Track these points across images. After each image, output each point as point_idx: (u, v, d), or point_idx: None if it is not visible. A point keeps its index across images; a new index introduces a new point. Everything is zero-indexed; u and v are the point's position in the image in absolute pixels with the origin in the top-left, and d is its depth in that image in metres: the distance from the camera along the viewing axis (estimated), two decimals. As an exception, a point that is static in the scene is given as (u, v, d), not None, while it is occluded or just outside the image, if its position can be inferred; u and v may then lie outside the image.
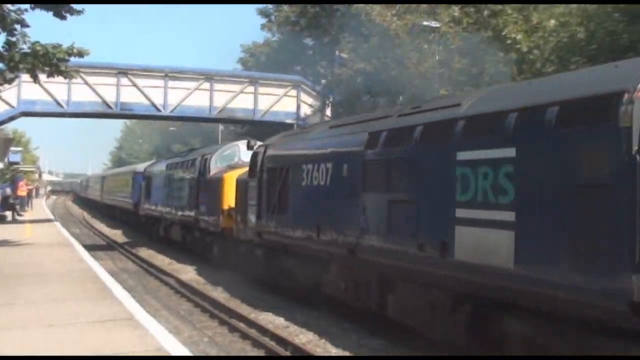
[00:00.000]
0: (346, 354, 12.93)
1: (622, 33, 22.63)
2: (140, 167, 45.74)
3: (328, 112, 38.68)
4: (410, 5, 33.33)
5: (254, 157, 19.63)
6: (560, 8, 26.19)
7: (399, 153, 11.87)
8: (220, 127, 61.56)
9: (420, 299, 11.63)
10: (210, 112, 37.37)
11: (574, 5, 25.25)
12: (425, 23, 30.66)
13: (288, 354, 13.17)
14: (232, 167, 24.39)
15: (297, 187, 16.07)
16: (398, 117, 12.64)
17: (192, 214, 27.10)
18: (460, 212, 10.03)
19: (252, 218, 19.05)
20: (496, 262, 9.26)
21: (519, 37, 26.54)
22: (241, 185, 20.76)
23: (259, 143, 22.66)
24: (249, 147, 23.35)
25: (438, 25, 30.46)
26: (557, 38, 25.92)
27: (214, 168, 25.65)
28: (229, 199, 22.49)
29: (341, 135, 14.64)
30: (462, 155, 10.10)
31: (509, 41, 26.92)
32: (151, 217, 37.39)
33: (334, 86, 38.37)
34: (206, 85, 37.00)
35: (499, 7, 29.31)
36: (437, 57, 30.57)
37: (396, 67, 32.67)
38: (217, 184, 24.16)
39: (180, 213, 29.61)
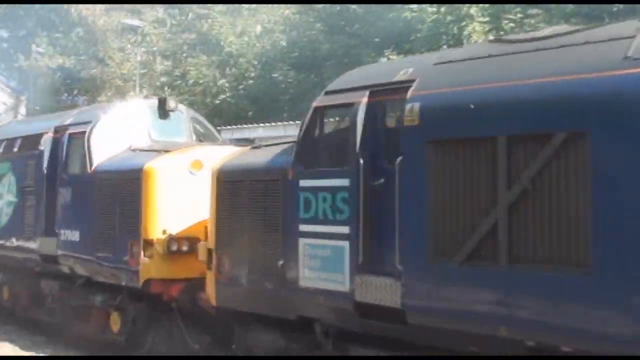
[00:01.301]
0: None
1: (323, 43, 23.17)
2: None
3: (22, 110, 36.66)
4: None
5: (355, 117, 7.81)
6: (264, 15, 26.55)
7: None
8: None
9: None
10: None
11: (278, 13, 25.70)
12: (128, 21, 29.95)
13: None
14: (155, 151, 11.97)
15: None
16: None
17: (35, 246, 13.59)
18: None
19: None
20: None
21: (228, 39, 26.50)
22: (255, 188, 9.17)
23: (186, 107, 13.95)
24: (164, 113, 12.84)
25: (142, 24, 29.84)
26: (261, 44, 26.10)
27: (103, 153, 12.59)
28: (166, 219, 11.12)
29: None
30: None
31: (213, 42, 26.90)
32: None
33: (30, 82, 36.38)
34: None
35: (204, 10, 29.16)
36: (138, 57, 29.78)
37: (97, 66, 31.63)
38: (129, 186, 11.63)
39: None
